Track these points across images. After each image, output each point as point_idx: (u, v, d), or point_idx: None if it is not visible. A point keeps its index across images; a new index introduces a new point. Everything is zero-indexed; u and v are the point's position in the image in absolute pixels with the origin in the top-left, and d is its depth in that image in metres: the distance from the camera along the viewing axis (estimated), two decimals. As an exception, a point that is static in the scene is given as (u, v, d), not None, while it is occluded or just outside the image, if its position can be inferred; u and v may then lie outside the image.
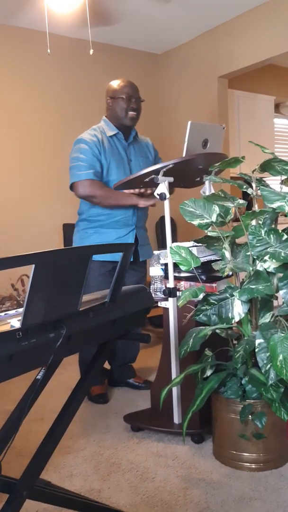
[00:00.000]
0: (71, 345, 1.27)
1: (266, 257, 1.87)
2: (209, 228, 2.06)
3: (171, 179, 2.29)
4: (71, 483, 2.00)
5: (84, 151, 2.70)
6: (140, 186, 2.46)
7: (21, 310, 1.25)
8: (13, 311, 1.40)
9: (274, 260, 1.84)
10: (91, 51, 3.34)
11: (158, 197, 2.28)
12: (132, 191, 2.64)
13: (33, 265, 1.07)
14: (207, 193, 2.52)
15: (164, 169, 2.23)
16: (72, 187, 2.74)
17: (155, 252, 2.47)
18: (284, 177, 2.17)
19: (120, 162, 2.77)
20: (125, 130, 2.82)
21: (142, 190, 2.63)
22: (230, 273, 2.17)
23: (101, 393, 2.85)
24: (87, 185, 2.68)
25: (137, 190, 2.62)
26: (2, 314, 1.36)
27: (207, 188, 2.55)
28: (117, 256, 1.40)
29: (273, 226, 2.07)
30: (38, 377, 1.40)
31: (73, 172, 2.71)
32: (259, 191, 2.02)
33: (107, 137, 2.78)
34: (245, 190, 2.13)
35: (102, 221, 2.77)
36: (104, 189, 2.68)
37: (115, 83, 2.78)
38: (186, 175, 2.47)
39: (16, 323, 1.17)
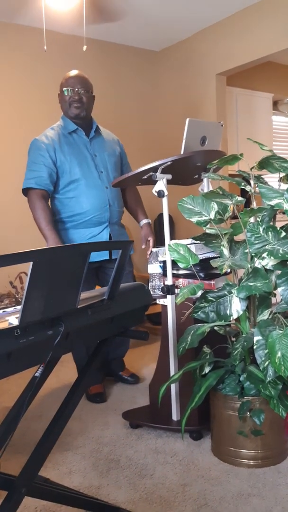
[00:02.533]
0: (69, 342, 1.27)
1: (264, 255, 1.87)
2: (208, 226, 2.07)
3: (169, 176, 2.29)
4: (70, 480, 2.01)
5: (33, 157, 2.67)
6: (138, 183, 2.46)
7: (19, 307, 1.25)
8: (11, 309, 1.40)
9: (272, 257, 1.85)
10: (84, 47, 3.33)
11: (156, 194, 2.28)
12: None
13: (31, 263, 1.07)
14: (206, 190, 2.52)
15: (162, 167, 2.23)
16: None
17: (153, 250, 2.47)
18: (282, 175, 2.17)
19: (83, 159, 2.72)
20: (85, 125, 2.77)
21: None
22: (228, 270, 2.17)
23: (99, 392, 2.84)
24: (29, 195, 2.68)
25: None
26: (0, 311, 1.36)
27: (206, 186, 2.56)
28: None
29: (271, 223, 2.08)
30: (37, 374, 1.40)
31: (24, 180, 2.70)
32: (257, 188, 2.02)
33: (66, 135, 2.73)
34: (243, 187, 2.13)
35: (75, 221, 2.73)
36: (37, 210, 2.64)
37: (62, 79, 2.74)
38: (184, 172, 2.47)
39: (14, 320, 1.17)
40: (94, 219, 2.72)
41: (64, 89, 2.70)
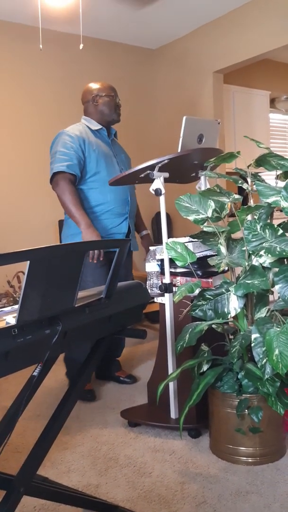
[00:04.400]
0: (67, 341, 1.27)
1: (262, 252, 1.87)
2: (205, 224, 2.06)
3: (167, 174, 2.29)
4: (68, 478, 2.01)
5: (63, 144, 2.71)
6: (135, 182, 2.46)
7: (16, 306, 1.25)
8: (9, 308, 1.39)
9: (269, 255, 1.85)
10: (81, 46, 3.38)
11: (154, 192, 2.28)
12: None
13: (28, 262, 1.07)
14: (203, 188, 2.52)
15: (160, 165, 2.23)
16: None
17: (151, 248, 2.47)
18: (279, 172, 2.17)
19: (108, 154, 2.84)
20: (107, 128, 2.92)
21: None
22: (226, 268, 2.17)
23: (89, 389, 2.85)
24: (57, 180, 2.68)
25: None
26: (-2, 311, 1.36)
27: (203, 183, 2.55)
28: None
29: (268, 221, 2.08)
30: (35, 373, 1.40)
31: (51, 167, 2.73)
32: (254, 186, 2.02)
33: (92, 131, 2.85)
34: (240, 185, 2.13)
35: (96, 212, 2.78)
36: (68, 193, 2.65)
37: (97, 84, 2.89)
38: (181, 170, 2.47)
39: (11, 320, 1.17)
40: (115, 210, 2.80)
41: (111, 94, 2.86)
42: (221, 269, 2.00)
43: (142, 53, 4.97)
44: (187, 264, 2.07)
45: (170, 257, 2.14)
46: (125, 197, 2.83)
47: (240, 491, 1.86)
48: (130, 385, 3.02)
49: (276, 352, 1.73)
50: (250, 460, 2.04)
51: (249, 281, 1.93)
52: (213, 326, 2.17)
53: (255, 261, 2.02)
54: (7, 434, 1.42)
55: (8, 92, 4.18)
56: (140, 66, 4.95)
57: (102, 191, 2.78)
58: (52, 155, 2.76)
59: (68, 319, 1.24)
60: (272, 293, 2.13)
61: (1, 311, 1.35)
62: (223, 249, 2.10)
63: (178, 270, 2.39)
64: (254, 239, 1.94)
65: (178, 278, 2.41)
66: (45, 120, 4.33)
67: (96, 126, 2.87)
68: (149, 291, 2.31)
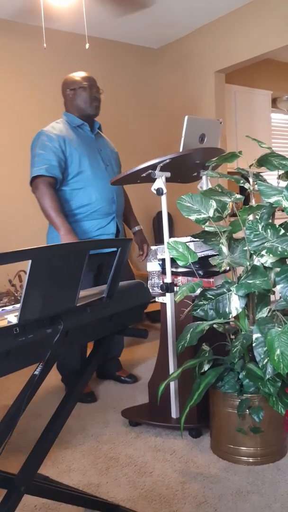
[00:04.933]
0: (68, 340, 1.27)
1: (263, 252, 1.87)
2: (206, 223, 2.06)
3: (168, 174, 2.28)
4: (69, 477, 2.01)
5: (42, 146, 2.62)
6: (137, 181, 2.45)
7: (18, 305, 1.25)
8: (10, 307, 1.40)
9: (271, 255, 1.85)
10: (87, 45, 3.33)
11: (155, 192, 2.28)
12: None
13: (30, 261, 1.07)
14: (204, 188, 2.52)
15: (161, 164, 2.23)
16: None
17: (152, 247, 2.47)
18: (281, 172, 2.17)
19: (91, 151, 2.73)
20: (90, 122, 2.79)
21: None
22: (227, 268, 2.17)
23: (89, 392, 2.83)
24: (37, 183, 2.61)
25: None
26: (0, 310, 1.36)
27: (204, 183, 2.55)
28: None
29: (270, 221, 2.07)
30: (36, 372, 1.40)
31: (31, 170, 2.64)
32: (256, 186, 2.02)
33: (73, 128, 2.74)
34: (242, 185, 2.13)
35: (83, 213, 2.70)
36: (45, 197, 2.58)
37: (74, 75, 2.75)
38: (183, 170, 2.47)
39: (13, 318, 1.17)
40: (101, 210, 2.71)
41: (82, 86, 2.70)
42: (223, 269, 2.00)
43: (144, 52, 4.97)
44: (188, 263, 2.06)
45: (171, 256, 2.14)
46: (111, 196, 2.73)
47: (241, 491, 1.86)
48: (131, 384, 3.02)
49: (277, 352, 1.73)
50: (251, 460, 2.04)
51: (250, 281, 1.93)
52: (214, 326, 2.16)
53: (257, 261, 2.02)
54: (8, 433, 1.42)
55: (11, 91, 4.18)
56: (142, 65, 4.95)
57: (86, 191, 2.69)
58: (32, 157, 2.65)
59: (69, 318, 1.24)
60: (274, 293, 2.13)
61: (3, 310, 1.35)
62: (224, 249, 2.10)
63: (180, 269, 2.39)
64: (255, 239, 1.94)
65: (180, 277, 2.41)
66: (48, 119, 4.29)
67: (76, 122, 2.75)
68: (150, 290, 2.31)
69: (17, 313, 1.12)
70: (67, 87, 2.77)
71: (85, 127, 2.78)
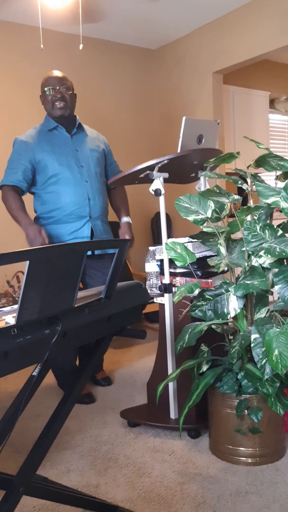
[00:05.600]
0: (66, 341, 1.27)
1: (261, 253, 1.87)
2: (204, 224, 2.07)
3: (166, 175, 2.29)
4: (68, 478, 2.01)
5: (12, 155, 2.75)
6: (135, 182, 2.46)
7: (16, 306, 1.25)
8: (8, 308, 1.40)
9: (269, 256, 1.85)
10: (81, 46, 3.33)
11: (153, 193, 2.28)
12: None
13: (28, 262, 1.07)
14: (202, 189, 2.52)
15: (159, 165, 2.23)
16: None
17: (151, 248, 2.47)
18: (279, 173, 2.17)
19: (62, 154, 2.72)
20: (66, 122, 2.79)
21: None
22: (226, 268, 2.18)
23: (87, 393, 2.82)
24: (3, 190, 2.74)
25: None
26: (-2, 311, 1.36)
27: (202, 184, 2.55)
28: None
29: (268, 221, 2.08)
30: (34, 373, 1.40)
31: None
32: (254, 186, 2.02)
33: (47, 132, 2.76)
34: (240, 185, 2.13)
35: (55, 216, 2.72)
36: (8, 202, 2.70)
37: (44, 78, 2.77)
38: (181, 171, 2.47)
39: (11, 319, 1.17)
40: (74, 214, 2.71)
41: (45, 88, 2.73)
42: (221, 269, 2.00)
43: (142, 53, 4.98)
44: (186, 264, 2.07)
45: (169, 257, 2.14)
46: (83, 199, 2.71)
47: (239, 492, 1.86)
48: (130, 385, 3.01)
49: (276, 352, 1.73)
50: (249, 461, 2.04)
51: (248, 282, 1.93)
52: (213, 326, 2.17)
53: (255, 261, 2.02)
54: (6, 434, 1.42)
55: (8, 92, 4.18)
56: (140, 66, 4.96)
57: (58, 195, 2.70)
58: (7, 162, 2.79)
59: (67, 319, 1.24)
60: (272, 293, 2.14)
61: (1, 311, 1.35)
62: (222, 250, 2.11)
63: (178, 270, 2.39)
64: (253, 240, 1.94)
65: (178, 278, 2.41)
66: (43, 119, 4.32)
67: (51, 125, 2.76)
68: (148, 291, 2.31)
69: (15, 314, 1.12)
70: (40, 92, 2.82)
71: (60, 129, 2.79)
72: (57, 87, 2.70)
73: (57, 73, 2.74)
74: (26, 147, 2.71)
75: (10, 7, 3.86)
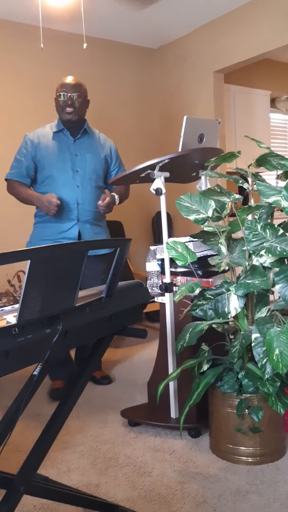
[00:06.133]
0: (67, 340, 1.27)
1: (262, 252, 1.87)
2: (205, 223, 2.06)
3: (167, 174, 2.29)
4: (68, 478, 2.01)
5: (19, 151, 2.88)
6: (136, 181, 2.45)
7: (17, 306, 1.25)
8: (9, 307, 1.39)
9: (270, 255, 1.85)
10: (85, 45, 3.34)
11: (154, 192, 2.28)
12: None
13: (29, 261, 1.07)
14: (203, 188, 2.52)
15: (160, 164, 2.23)
16: None
17: (151, 248, 2.47)
18: (280, 172, 2.17)
19: (61, 158, 2.81)
20: (72, 126, 2.86)
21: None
22: (226, 268, 2.17)
23: (57, 388, 2.90)
24: (7, 185, 2.90)
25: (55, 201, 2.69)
26: (-2, 310, 1.36)
27: (203, 183, 2.55)
28: None
29: (269, 221, 2.07)
30: (35, 373, 1.40)
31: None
32: (255, 186, 2.02)
33: (53, 133, 2.86)
34: (241, 185, 2.13)
35: (45, 217, 2.82)
36: (15, 190, 2.85)
37: (61, 81, 2.86)
38: (182, 170, 2.47)
39: (12, 319, 1.17)
40: (63, 215, 2.79)
41: (58, 93, 2.82)
42: (222, 268, 2.00)
43: (143, 52, 4.97)
44: (187, 263, 2.06)
45: (170, 256, 2.14)
46: (72, 203, 2.78)
47: (240, 491, 1.86)
48: (130, 384, 3.02)
49: (277, 352, 1.73)
50: (250, 460, 2.04)
51: (249, 281, 1.93)
52: (214, 325, 2.17)
53: (256, 261, 2.02)
54: (7, 433, 1.42)
55: (9, 92, 4.18)
56: (141, 65, 4.95)
57: None
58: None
59: (68, 319, 1.24)
60: (273, 293, 2.13)
61: (2, 310, 1.35)
62: (223, 249, 2.10)
63: (179, 269, 2.39)
64: (254, 239, 1.94)
65: (179, 277, 2.41)
66: (46, 119, 4.30)
67: (57, 127, 2.87)
68: (149, 290, 2.31)
69: (16, 314, 1.12)
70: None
71: (65, 132, 2.87)
72: (69, 94, 2.80)
73: (70, 79, 2.84)
74: (31, 145, 2.83)
75: (11, 6, 3.85)
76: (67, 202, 2.78)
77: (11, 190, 2.89)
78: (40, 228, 2.87)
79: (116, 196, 2.87)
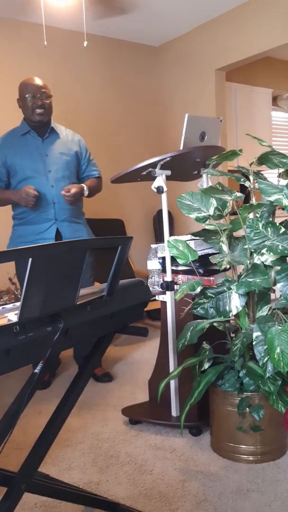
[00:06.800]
0: (68, 338, 1.27)
1: (264, 250, 1.87)
2: (207, 222, 2.06)
3: (169, 172, 2.28)
4: (69, 476, 2.01)
5: None
6: (137, 180, 2.45)
7: (18, 304, 1.25)
8: (10, 305, 1.39)
9: (271, 253, 1.84)
10: (85, 43, 3.34)
11: (155, 190, 2.28)
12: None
13: (30, 259, 1.07)
14: (205, 186, 2.52)
15: (162, 162, 2.23)
16: None
17: (153, 246, 2.47)
18: (281, 170, 2.16)
19: (32, 159, 2.81)
20: (39, 127, 2.85)
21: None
22: (228, 266, 2.17)
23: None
24: None
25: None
26: (0, 308, 1.36)
27: (205, 181, 2.55)
28: None
29: (270, 219, 2.07)
30: (36, 371, 1.40)
31: None
32: (256, 184, 2.01)
33: (20, 137, 2.85)
34: (242, 183, 2.13)
35: (25, 217, 2.83)
36: None
37: (23, 83, 2.86)
38: (183, 168, 2.47)
39: (13, 317, 1.17)
40: (40, 216, 2.81)
41: (26, 95, 2.80)
42: (223, 267, 2.00)
43: (145, 50, 4.96)
44: (188, 262, 2.06)
45: (171, 255, 2.14)
46: (48, 203, 2.79)
47: (241, 489, 1.86)
48: (131, 382, 3.02)
49: (278, 350, 1.73)
50: (251, 458, 2.04)
51: (250, 279, 1.93)
52: (215, 324, 2.16)
53: (257, 259, 2.01)
54: (8, 431, 1.42)
55: (12, 90, 4.17)
56: (142, 63, 4.94)
57: None
58: None
59: (69, 317, 1.24)
60: (274, 291, 2.13)
61: (3, 308, 1.35)
62: (225, 247, 2.10)
63: (180, 268, 2.39)
64: (256, 237, 1.94)
65: (180, 276, 2.41)
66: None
67: (23, 130, 2.86)
68: (150, 289, 2.31)
69: (17, 312, 1.12)
70: (19, 95, 2.88)
71: (32, 133, 2.86)
72: (38, 95, 2.80)
73: (38, 81, 2.83)
74: (1, 151, 2.83)
75: (13, 4, 3.85)
76: (43, 203, 2.78)
77: None
78: (18, 230, 2.88)
79: (85, 187, 2.88)
